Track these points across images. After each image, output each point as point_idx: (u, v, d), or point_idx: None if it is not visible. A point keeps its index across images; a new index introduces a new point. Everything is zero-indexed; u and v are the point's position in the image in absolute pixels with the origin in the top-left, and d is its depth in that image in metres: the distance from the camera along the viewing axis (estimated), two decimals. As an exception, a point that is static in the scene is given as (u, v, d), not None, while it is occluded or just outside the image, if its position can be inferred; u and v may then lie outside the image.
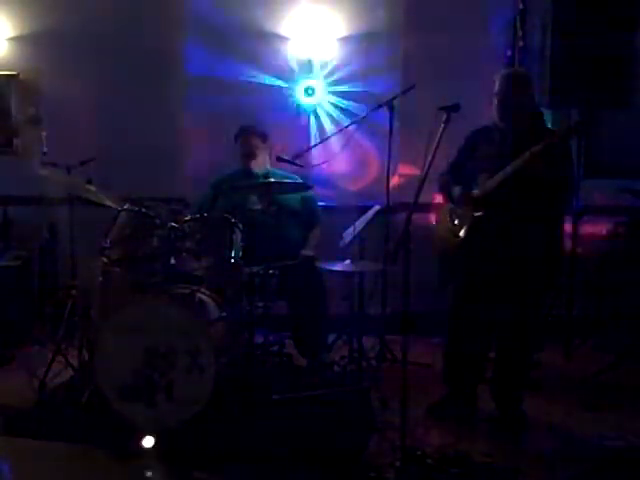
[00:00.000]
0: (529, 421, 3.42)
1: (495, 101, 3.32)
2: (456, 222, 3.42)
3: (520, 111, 3.31)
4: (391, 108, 3.91)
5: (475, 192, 3.34)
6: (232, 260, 3.46)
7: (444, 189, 3.56)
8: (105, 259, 3.43)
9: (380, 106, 3.92)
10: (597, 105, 4.47)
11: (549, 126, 4.03)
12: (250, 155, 4.22)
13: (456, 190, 3.46)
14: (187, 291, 3.44)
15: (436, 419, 3.43)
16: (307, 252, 4.10)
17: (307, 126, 4.91)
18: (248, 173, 4.21)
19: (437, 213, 3.66)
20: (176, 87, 4.90)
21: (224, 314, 3.48)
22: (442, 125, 3.01)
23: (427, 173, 2.96)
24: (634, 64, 4.40)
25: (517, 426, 3.37)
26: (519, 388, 3.46)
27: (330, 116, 4.91)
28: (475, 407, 3.50)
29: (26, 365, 3.96)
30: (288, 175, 4.23)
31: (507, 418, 3.40)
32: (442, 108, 3.13)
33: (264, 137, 4.30)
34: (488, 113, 3.44)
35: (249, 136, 4.26)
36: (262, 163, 4.26)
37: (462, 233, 3.37)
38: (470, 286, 3.41)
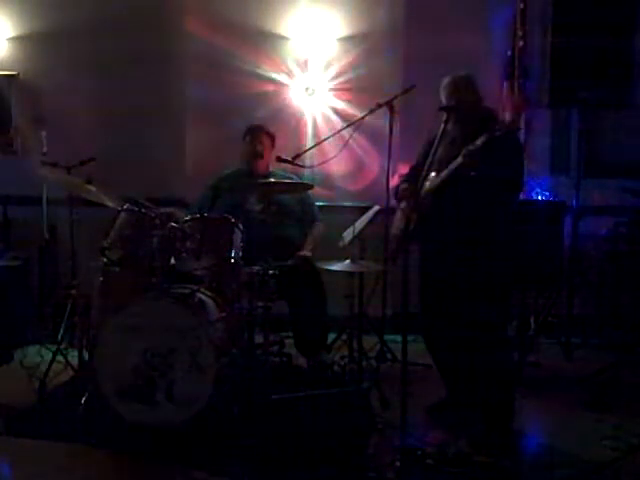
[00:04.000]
0: (529, 421, 3.42)
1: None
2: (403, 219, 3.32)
3: (462, 115, 3.20)
4: (391, 108, 3.92)
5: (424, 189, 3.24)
6: (232, 260, 3.47)
7: (395, 190, 3.52)
8: (105, 259, 3.43)
9: (380, 106, 3.93)
10: (597, 105, 4.48)
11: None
12: (259, 155, 4.18)
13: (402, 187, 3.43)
14: (187, 291, 3.44)
15: (436, 419, 3.43)
16: (304, 253, 4.07)
17: (307, 126, 4.91)
18: (248, 173, 4.20)
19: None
20: (176, 87, 4.90)
21: (224, 314, 3.48)
22: (442, 125, 3.01)
23: (427, 173, 2.97)
24: (634, 64, 4.41)
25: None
26: (498, 394, 3.26)
27: (330, 116, 4.91)
28: (475, 407, 3.49)
29: (26, 365, 3.97)
30: (288, 175, 4.23)
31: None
32: (442, 108, 3.13)
33: (273, 138, 4.27)
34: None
35: (260, 136, 4.21)
36: (266, 164, 4.25)
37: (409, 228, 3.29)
38: (426, 285, 3.40)
